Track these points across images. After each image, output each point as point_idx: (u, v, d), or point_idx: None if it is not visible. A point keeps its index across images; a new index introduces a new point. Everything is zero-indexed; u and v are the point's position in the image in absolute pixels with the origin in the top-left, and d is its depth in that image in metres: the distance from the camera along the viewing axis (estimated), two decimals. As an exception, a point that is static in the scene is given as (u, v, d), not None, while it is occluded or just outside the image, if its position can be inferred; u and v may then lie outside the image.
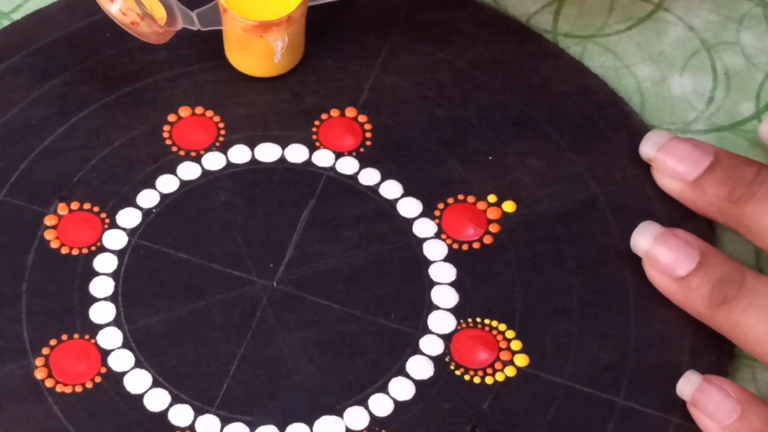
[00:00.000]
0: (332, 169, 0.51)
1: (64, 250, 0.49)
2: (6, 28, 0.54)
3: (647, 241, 0.48)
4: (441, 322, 0.48)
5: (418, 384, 0.47)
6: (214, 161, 0.51)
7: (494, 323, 0.48)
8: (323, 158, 0.51)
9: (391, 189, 0.51)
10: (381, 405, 0.46)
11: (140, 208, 0.50)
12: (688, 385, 0.45)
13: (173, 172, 0.51)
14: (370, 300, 0.48)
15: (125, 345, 0.47)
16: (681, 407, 0.46)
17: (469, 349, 0.47)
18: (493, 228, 0.50)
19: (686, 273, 0.46)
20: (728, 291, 0.46)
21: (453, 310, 0.48)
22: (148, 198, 0.50)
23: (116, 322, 0.47)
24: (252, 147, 0.52)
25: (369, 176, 0.51)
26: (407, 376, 0.47)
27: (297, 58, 0.53)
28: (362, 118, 0.52)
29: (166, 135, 0.52)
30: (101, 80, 0.53)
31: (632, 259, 0.48)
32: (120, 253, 0.49)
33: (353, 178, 0.51)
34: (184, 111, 0.52)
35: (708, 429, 0.45)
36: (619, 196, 0.51)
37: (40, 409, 0.45)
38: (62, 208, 0.50)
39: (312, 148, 0.52)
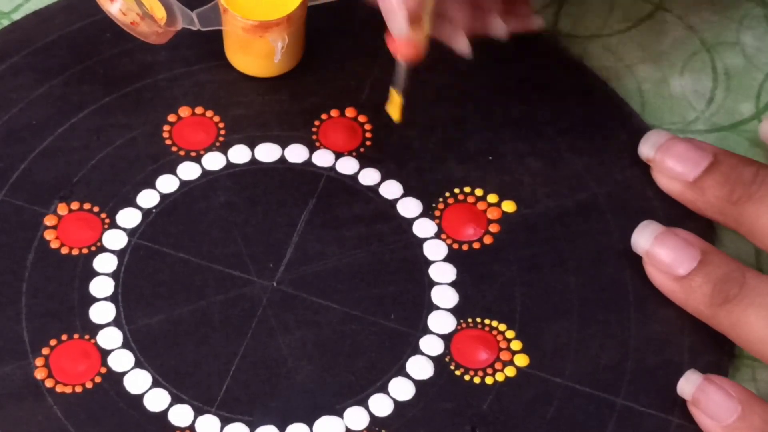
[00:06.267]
0: (332, 169, 0.51)
1: (64, 250, 0.49)
2: (6, 28, 0.54)
3: (648, 240, 0.48)
4: (441, 322, 0.48)
5: (418, 384, 0.47)
6: (214, 161, 0.51)
7: (494, 323, 0.48)
8: (323, 158, 0.51)
9: (391, 189, 0.51)
10: (381, 405, 0.46)
11: (140, 208, 0.50)
12: (688, 384, 0.45)
13: (173, 172, 0.51)
14: (370, 300, 0.48)
15: (125, 345, 0.47)
16: (681, 407, 0.46)
17: (469, 349, 0.47)
18: (493, 228, 0.50)
19: (687, 272, 0.46)
20: (729, 290, 0.46)
21: (453, 310, 0.48)
22: (148, 198, 0.50)
23: (116, 322, 0.47)
24: (252, 147, 0.52)
25: (369, 176, 0.51)
26: (407, 376, 0.47)
27: (297, 58, 0.53)
28: (362, 118, 0.52)
29: (166, 135, 0.52)
30: (101, 80, 0.53)
31: (632, 258, 0.48)
32: (120, 253, 0.49)
33: (353, 178, 0.51)
34: (184, 111, 0.52)
35: (708, 428, 0.45)
36: (619, 196, 0.51)
37: (40, 410, 0.45)
38: (62, 208, 0.50)
39: (312, 148, 0.52)
